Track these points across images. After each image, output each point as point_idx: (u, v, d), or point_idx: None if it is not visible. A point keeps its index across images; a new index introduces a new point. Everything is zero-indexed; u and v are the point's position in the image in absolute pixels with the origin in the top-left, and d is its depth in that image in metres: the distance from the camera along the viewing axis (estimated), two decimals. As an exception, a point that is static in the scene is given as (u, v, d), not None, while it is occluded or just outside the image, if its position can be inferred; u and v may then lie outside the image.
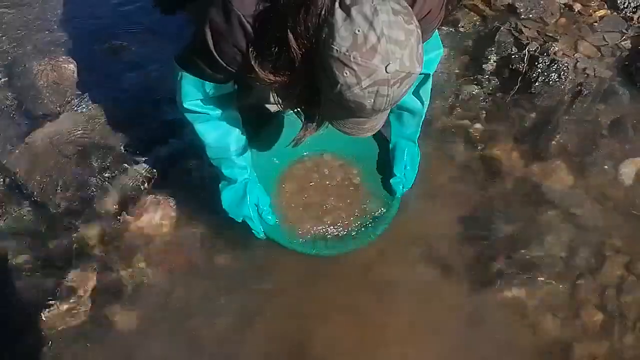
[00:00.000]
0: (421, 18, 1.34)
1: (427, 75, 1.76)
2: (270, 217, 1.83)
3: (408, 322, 1.79)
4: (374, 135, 1.68)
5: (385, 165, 1.97)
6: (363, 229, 1.89)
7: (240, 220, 1.78)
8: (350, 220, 1.91)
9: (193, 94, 1.54)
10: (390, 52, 1.14)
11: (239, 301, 1.84)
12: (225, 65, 1.38)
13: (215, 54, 1.36)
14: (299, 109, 1.41)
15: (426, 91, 1.80)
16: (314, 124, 1.42)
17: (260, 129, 1.95)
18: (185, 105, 1.57)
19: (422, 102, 1.81)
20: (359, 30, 1.13)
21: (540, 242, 1.92)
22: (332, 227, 1.89)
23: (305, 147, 1.77)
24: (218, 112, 1.61)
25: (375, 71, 1.14)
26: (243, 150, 1.74)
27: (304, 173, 2.00)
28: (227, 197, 1.77)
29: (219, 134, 1.66)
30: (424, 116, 1.87)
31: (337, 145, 1.97)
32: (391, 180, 1.92)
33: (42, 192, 2.02)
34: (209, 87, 1.51)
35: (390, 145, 1.95)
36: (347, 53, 1.13)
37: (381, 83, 1.16)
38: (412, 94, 1.78)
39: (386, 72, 1.15)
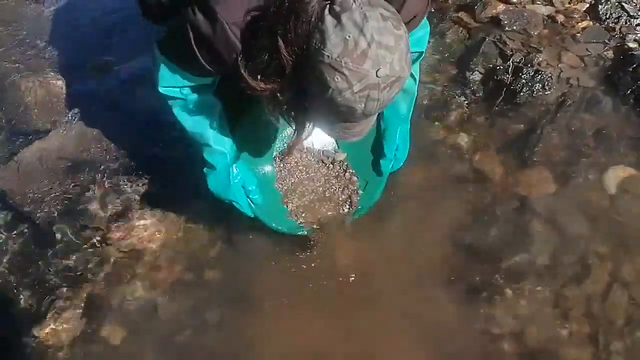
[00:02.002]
0: (406, 23, 1.37)
1: (420, 54, 1.80)
2: (257, 197, 1.83)
3: (394, 331, 1.79)
4: None
5: (372, 145, 1.99)
6: (351, 208, 1.94)
7: (227, 202, 1.79)
8: (337, 201, 1.95)
9: (169, 80, 1.55)
10: (381, 57, 1.17)
11: (228, 316, 1.84)
12: (207, 66, 1.40)
13: (198, 55, 1.37)
14: (289, 116, 1.43)
15: (416, 70, 1.83)
16: (305, 129, 1.43)
17: (244, 114, 1.94)
18: (160, 90, 1.57)
19: (415, 79, 1.84)
20: (349, 36, 1.15)
21: (525, 250, 1.93)
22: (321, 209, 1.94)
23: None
24: (194, 97, 1.62)
25: (367, 76, 1.17)
26: (222, 137, 1.72)
27: (290, 159, 2.03)
28: (213, 181, 1.76)
29: (196, 119, 1.66)
30: (416, 94, 1.89)
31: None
32: (381, 160, 1.93)
33: (31, 209, 2.03)
34: (187, 75, 1.52)
35: (382, 126, 1.95)
36: (338, 59, 1.16)
37: (372, 87, 1.19)
38: None
39: (377, 76, 1.18)
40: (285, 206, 1.94)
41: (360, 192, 1.98)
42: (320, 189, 1.99)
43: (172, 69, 1.51)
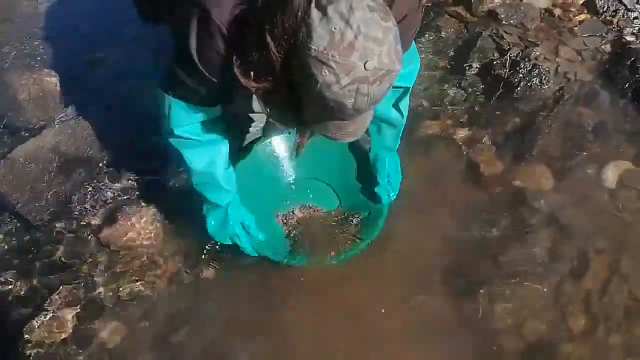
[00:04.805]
0: (397, 22, 1.34)
1: (406, 89, 1.77)
2: (255, 232, 1.82)
3: (391, 329, 1.78)
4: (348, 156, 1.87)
5: (364, 180, 2.00)
6: (355, 240, 1.91)
7: (229, 242, 1.80)
8: (341, 236, 1.94)
9: (183, 120, 1.53)
10: (369, 49, 1.13)
11: (224, 315, 1.83)
12: (207, 74, 1.37)
13: (197, 61, 1.35)
14: (288, 116, 1.39)
15: (405, 104, 1.81)
16: (307, 128, 1.41)
17: (243, 153, 1.96)
18: (176, 133, 1.55)
19: (402, 115, 1.82)
20: (335, 28, 1.12)
21: (523, 246, 1.92)
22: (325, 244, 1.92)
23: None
24: (208, 137, 1.61)
25: (354, 68, 1.14)
26: (230, 176, 1.74)
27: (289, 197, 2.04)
28: (212, 221, 1.78)
29: (208, 159, 1.65)
30: (403, 127, 1.87)
31: (317, 171, 2.03)
32: (376, 189, 1.93)
33: (25, 207, 2.00)
34: (198, 110, 1.51)
35: (371, 157, 1.95)
36: (324, 51, 1.13)
37: (361, 81, 1.15)
38: (392, 106, 1.79)
39: (365, 69, 1.14)
40: (288, 238, 1.95)
41: (362, 220, 1.97)
42: (322, 221, 1.98)
43: (182, 105, 1.49)
